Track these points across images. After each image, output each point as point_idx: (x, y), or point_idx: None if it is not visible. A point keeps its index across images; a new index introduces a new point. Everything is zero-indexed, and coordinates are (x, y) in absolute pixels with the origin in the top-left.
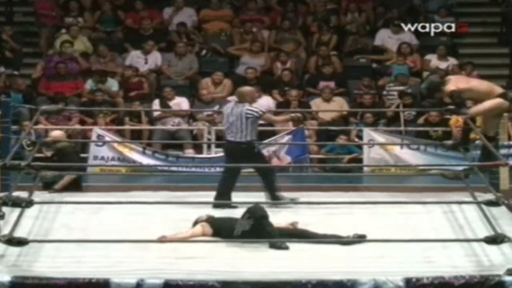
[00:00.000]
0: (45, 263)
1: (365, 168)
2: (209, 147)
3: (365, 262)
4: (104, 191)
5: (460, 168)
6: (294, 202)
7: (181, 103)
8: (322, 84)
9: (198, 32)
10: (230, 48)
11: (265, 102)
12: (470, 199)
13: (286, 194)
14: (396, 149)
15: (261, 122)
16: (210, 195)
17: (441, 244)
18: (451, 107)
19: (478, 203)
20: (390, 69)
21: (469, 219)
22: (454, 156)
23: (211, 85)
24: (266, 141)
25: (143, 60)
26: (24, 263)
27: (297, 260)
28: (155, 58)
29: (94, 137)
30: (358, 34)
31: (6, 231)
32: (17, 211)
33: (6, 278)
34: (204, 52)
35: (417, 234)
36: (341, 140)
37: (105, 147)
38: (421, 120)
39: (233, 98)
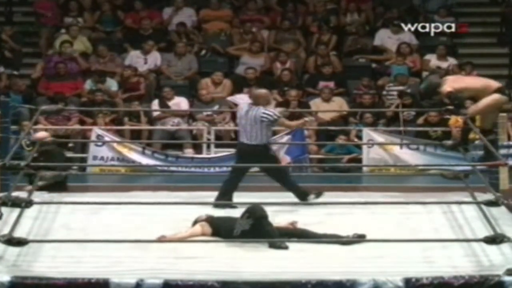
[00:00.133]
0: (45, 263)
1: (365, 168)
2: (208, 147)
3: (364, 262)
4: (103, 191)
5: (460, 168)
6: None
7: (180, 103)
8: (321, 84)
9: (197, 32)
10: (229, 48)
11: None
12: (469, 199)
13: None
14: (396, 149)
15: None
16: (210, 195)
17: (440, 244)
18: (450, 107)
19: (478, 203)
20: (390, 69)
21: (468, 219)
22: (453, 156)
23: (211, 85)
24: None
25: (143, 60)
26: (23, 263)
27: (296, 260)
28: (155, 58)
29: (93, 137)
30: (358, 34)
31: (5, 231)
32: (16, 211)
33: (5, 278)
34: (203, 52)
35: (416, 234)
36: (341, 140)
37: (105, 147)
38: (420, 120)
39: (233, 98)
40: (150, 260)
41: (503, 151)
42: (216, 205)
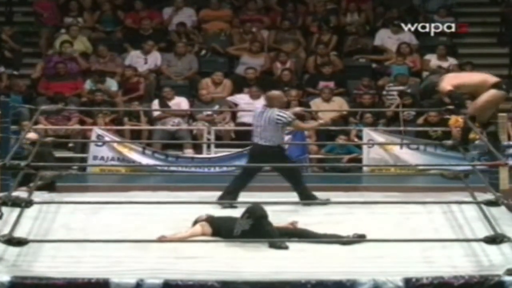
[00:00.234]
0: (45, 263)
1: (365, 168)
2: (208, 147)
3: (364, 262)
4: (103, 191)
5: (460, 168)
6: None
7: (180, 103)
8: (321, 84)
9: (197, 32)
10: (229, 48)
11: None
12: (469, 199)
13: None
14: (396, 149)
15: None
16: (210, 195)
17: (440, 244)
18: (450, 107)
19: (478, 203)
20: (390, 69)
21: (468, 219)
22: (453, 156)
23: (211, 85)
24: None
25: (143, 60)
26: (23, 263)
27: (296, 260)
28: (155, 58)
29: (93, 137)
30: (358, 34)
31: (5, 231)
32: (16, 211)
33: (5, 278)
34: (203, 52)
35: (416, 234)
36: (341, 140)
37: (105, 147)
38: (420, 120)
39: (233, 98)
40: (150, 260)
41: None
42: (216, 204)
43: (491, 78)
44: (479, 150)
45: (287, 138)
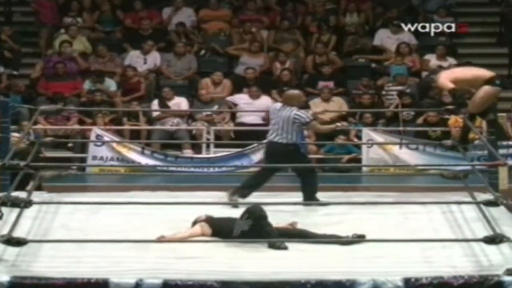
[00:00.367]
0: (44, 263)
1: (364, 168)
2: (208, 147)
3: (364, 262)
4: (103, 191)
5: (459, 168)
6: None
7: (180, 103)
8: (321, 84)
9: (197, 32)
10: (229, 48)
11: (264, 102)
12: (469, 199)
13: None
14: (395, 149)
15: (260, 121)
16: (209, 195)
17: (440, 244)
18: (450, 107)
19: (477, 203)
20: (389, 69)
21: (468, 219)
22: (453, 156)
23: (211, 85)
24: (265, 141)
25: (142, 60)
26: (23, 263)
27: (296, 260)
28: (154, 58)
29: (93, 137)
30: (357, 34)
31: (5, 231)
32: (16, 211)
33: (5, 278)
34: (203, 52)
35: (416, 234)
36: (340, 140)
37: (104, 147)
38: (420, 120)
39: (232, 98)
40: (149, 260)
41: (502, 151)
42: (215, 205)
43: (485, 74)
44: (479, 149)
45: None
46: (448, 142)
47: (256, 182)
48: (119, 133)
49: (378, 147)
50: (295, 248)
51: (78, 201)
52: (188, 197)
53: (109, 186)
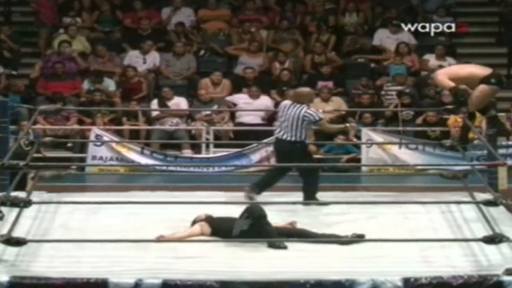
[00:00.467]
0: (44, 263)
1: (364, 168)
2: (207, 147)
3: (363, 262)
4: (102, 191)
5: (459, 168)
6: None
7: (180, 103)
8: (320, 84)
9: (196, 32)
10: (228, 48)
11: (264, 102)
12: (468, 199)
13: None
14: (395, 149)
15: (259, 121)
16: (209, 195)
17: (439, 244)
18: (449, 106)
19: (477, 203)
20: (388, 69)
21: (467, 219)
22: (452, 156)
23: (210, 85)
24: (265, 140)
25: (142, 60)
26: (22, 263)
27: (295, 260)
28: (154, 58)
29: (92, 137)
30: (357, 34)
31: (4, 231)
32: (15, 211)
33: (4, 278)
34: (202, 52)
35: (415, 234)
36: (340, 140)
37: (104, 147)
38: (419, 120)
39: (231, 98)
40: (149, 260)
41: (501, 151)
42: (215, 204)
43: (481, 72)
44: (478, 149)
45: None
46: (448, 142)
47: (269, 180)
48: (118, 133)
49: (377, 147)
50: (294, 247)
51: (78, 201)
52: (188, 197)
53: (109, 186)
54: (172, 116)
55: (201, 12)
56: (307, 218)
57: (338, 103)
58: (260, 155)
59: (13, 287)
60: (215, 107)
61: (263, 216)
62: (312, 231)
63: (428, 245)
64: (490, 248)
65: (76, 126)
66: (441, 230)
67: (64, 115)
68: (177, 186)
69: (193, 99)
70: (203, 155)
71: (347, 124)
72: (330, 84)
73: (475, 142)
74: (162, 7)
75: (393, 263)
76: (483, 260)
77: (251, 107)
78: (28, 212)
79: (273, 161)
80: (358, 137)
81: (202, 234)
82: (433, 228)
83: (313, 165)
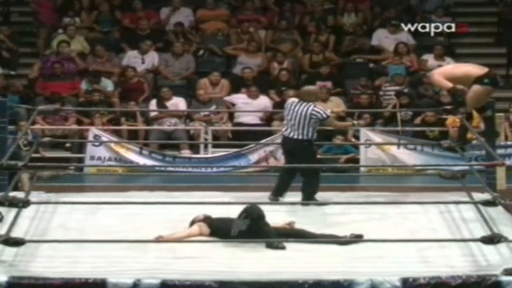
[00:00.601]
0: (42, 263)
1: (362, 168)
2: (206, 147)
3: (362, 262)
4: (101, 191)
5: (457, 168)
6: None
7: (178, 103)
8: (319, 84)
9: (195, 32)
10: (227, 48)
11: (262, 102)
12: (467, 199)
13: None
14: (393, 149)
15: (258, 122)
16: (207, 195)
17: (438, 244)
18: (447, 107)
19: (475, 203)
20: (387, 69)
21: (466, 219)
22: (451, 156)
23: (208, 86)
24: (263, 141)
25: (140, 60)
26: (20, 263)
27: (294, 260)
28: (152, 58)
29: (91, 137)
30: (355, 34)
31: (3, 231)
32: (14, 211)
33: (3, 278)
34: (201, 52)
35: (414, 234)
36: (338, 140)
37: (102, 147)
38: (418, 120)
39: (230, 98)
40: (147, 260)
41: (500, 151)
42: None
43: (475, 71)
44: (477, 149)
45: None
46: (446, 142)
47: (283, 182)
48: (117, 133)
49: (376, 147)
50: (293, 248)
51: (76, 201)
52: (186, 197)
53: (107, 186)
54: (170, 116)
55: (199, 12)
56: (305, 218)
57: (337, 103)
58: (258, 155)
59: (11, 287)
60: (213, 107)
61: (261, 216)
62: (310, 231)
63: (426, 245)
64: (489, 248)
65: (75, 126)
66: (440, 230)
67: (62, 115)
68: (175, 186)
69: (191, 99)
70: (202, 155)
71: (354, 121)
72: (328, 84)
73: (473, 142)
74: (161, 7)
75: (391, 263)
76: (481, 260)
77: (249, 107)
78: (27, 212)
79: (271, 162)
80: (357, 137)
81: (200, 234)
82: (431, 228)
83: (312, 166)
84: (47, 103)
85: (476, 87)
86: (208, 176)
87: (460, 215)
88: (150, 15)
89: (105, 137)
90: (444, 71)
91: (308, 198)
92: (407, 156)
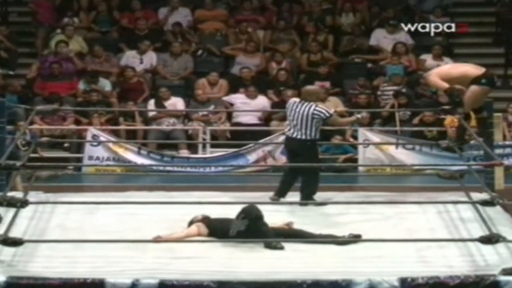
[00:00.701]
0: (40, 263)
1: (361, 168)
2: (204, 147)
3: (360, 262)
4: (99, 191)
5: (455, 168)
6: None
7: (177, 103)
8: (317, 84)
9: (193, 32)
10: (225, 48)
11: (261, 102)
12: (465, 199)
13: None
14: (391, 149)
15: (256, 121)
16: (206, 195)
17: (436, 244)
18: (446, 107)
19: (473, 203)
20: (385, 69)
21: (464, 219)
22: (449, 156)
23: (207, 86)
24: (261, 140)
25: (138, 60)
26: (19, 264)
27: (292, 260)
28: (150, 58)
29: (89, 137)
30: (353, 34)
31: (1, 231)
32: (12, 211)
33: (1, 278)
34: (199, 52)
35: (412, 234)
36: (336, 140)
37: (100, 147)
38: (416, 120)
39: (228, 98)
40: (146, 260)
41: (498, 151)
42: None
43: (472, 72)
44: (475, 149)
45: (282, 138)
46: (444, 142)
47: (286, 182)
48: (115, 133)
49: (374, 147)
50: (291, 248)
51: (75, 201)
52: (184, 197)
53: (106, 186)
54: (169, 116)
55: (198, 12)
56: (304, 218)
57: (335, 103)
58: (257, 155)
59: (10, 287)
60: (212, 107)
61: (259, 216)
62: (309, 231)
63: (425, 245)
64: (487, 248)
65: (73, 126)
66: (438, 230)
67: (61, 115)
68: (174, 186)
69: (190, 99)
70: (200, 155)
71: (358, 116)
72: (327, 84)
73: (472, 142)
74: (159, 7)
75: (390, 263)
76: (480, 260)
77: (248, 107)
78: (25, 212)
79: (270, 161)
80: (355, 137)
81: (199, 234)
82: (430, 228)
83: (310, 165)
84: (46, 103)
85: (473, 88)
86: (207, 176)
87: (459, 215)
88: (148, 15)
89: (103, 137)
90: (440, 72)
91: (307, 198)
92: (406, 156)
